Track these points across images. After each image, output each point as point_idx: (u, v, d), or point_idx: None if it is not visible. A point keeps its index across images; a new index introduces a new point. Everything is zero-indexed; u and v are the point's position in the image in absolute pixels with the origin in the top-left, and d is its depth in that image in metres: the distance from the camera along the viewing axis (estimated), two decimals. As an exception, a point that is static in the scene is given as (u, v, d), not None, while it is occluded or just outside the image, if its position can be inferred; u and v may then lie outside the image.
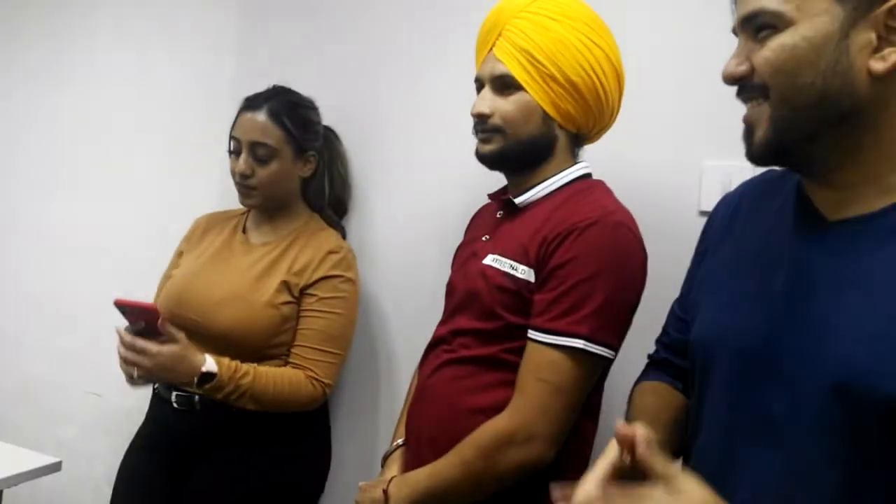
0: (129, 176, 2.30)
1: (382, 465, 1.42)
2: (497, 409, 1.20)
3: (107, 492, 1.75)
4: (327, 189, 1.82)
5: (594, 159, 1.36)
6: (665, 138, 1.51)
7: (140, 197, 2.27)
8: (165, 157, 2.23)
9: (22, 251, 2.50)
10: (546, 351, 1.17)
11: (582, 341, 1.16)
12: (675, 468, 0.74)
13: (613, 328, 1.19)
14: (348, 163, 1.89)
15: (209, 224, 1.83)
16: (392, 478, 1.29)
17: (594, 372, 1.20)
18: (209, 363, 1.50)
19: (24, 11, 2.51)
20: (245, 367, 1.55)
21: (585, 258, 1.16)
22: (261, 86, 1.73)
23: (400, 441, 1.41)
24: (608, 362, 1.22)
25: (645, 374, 1.15)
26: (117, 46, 2.34)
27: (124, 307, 1.44)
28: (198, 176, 2.12)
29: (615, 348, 1.20)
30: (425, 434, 1.30)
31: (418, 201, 1.82)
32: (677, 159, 1.49)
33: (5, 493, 1.76)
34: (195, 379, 1.48)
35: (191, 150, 2.15)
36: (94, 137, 2.38)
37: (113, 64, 2.35)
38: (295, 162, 1.69)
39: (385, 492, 1.25)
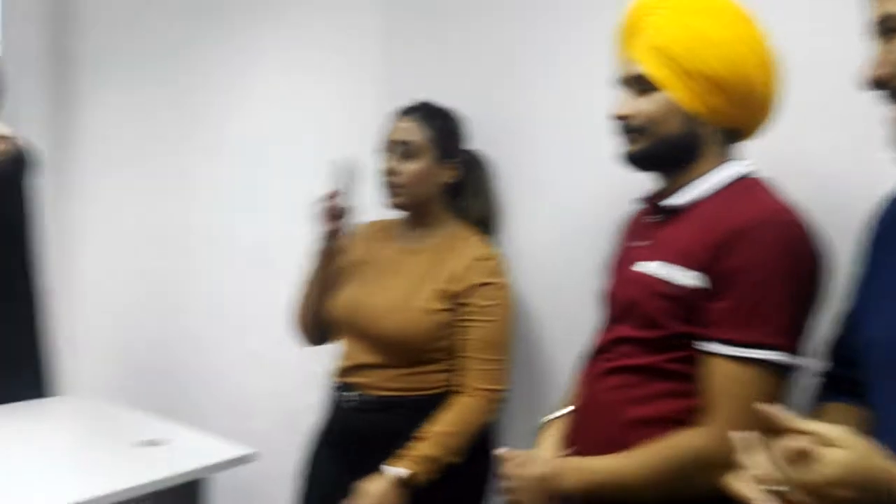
0: (293, 194, 2.49)
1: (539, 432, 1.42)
2: (663, 420, 1.18)
3: (293, 483, 1.91)
4: (474, 209, 1.85)
5: (761, 154, 1.30)
6: (838, 133, 1.41)
7: (302, 212, 2.46)
8: (321, 176, 2.40)
9: (212, 262, 2.75)
10: (734, 365, 1.11)
11: (776, 353, 1.10)
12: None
13: (798, 335, 1.13)
14: (494, 185, 1.92)
15: (367, 234, 1.92)
16: (557, 458, 1.29)
17: (787, 385, 1.14)
18: (394, 472, 1.60)
19: (195, 42, 2.76)
20: (423, 445, 1.62)
21: (760, 262, 1.11)
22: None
23: (564, 411, 1.41)
24: (797, 373, 1.15)
25: (827, 393, 1.09)
26: (277, 72, 2.54)
27: None
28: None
29: (802, 357, 1.14)
30: (587, 443, 1.29)
31: (566, 208, 1.85)
32: (855, 156, 1.39)
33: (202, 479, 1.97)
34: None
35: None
36: (263, 157, 2.59)
37: (271, 90, 2.55)
38: (438, 165, 1.76)
39: (550, 473, 1.22)
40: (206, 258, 2.75)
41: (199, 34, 2.75)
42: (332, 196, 1.77)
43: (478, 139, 1.90)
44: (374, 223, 1.96)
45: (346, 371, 1.79)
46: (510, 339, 1.74)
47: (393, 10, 2.22)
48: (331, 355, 1.91)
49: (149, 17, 2.92)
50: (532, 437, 1.91)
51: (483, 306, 1.68)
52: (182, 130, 2.82)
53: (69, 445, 1.99)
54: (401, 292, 1.72)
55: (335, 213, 1.77)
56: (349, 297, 1.80)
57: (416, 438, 1.63)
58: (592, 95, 1.74)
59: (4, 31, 3.10)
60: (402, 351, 1.69)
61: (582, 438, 1.31)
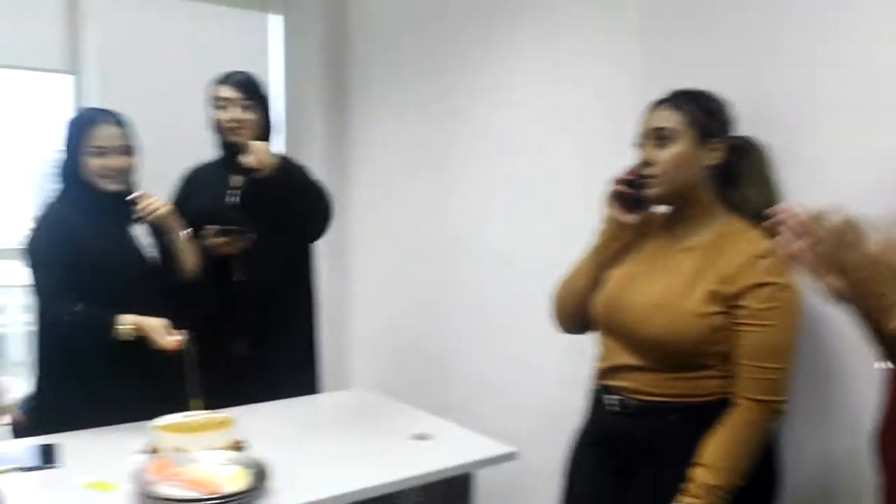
0: (555, 196, 2.48)
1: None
2: None
3: (555, 482, 1.89)
4: (753, 200, 1.70)
5: None
6: None
7: (565, 215, 2.43)
8: (578, 177, 2.36)
9: (476, 267, 2.83)
10: None
11: None
12: None
13: None
14: (774, 172, 1.75)
15: (637, 229, 1.84)
16: None
17: None
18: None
19: (455, 54, 2.85)
20: (705, 473, 1.51)
21: None
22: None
23: None
24: None
25: None
26: (534, 74, 2.53)
27: None
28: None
29: None
30: None
31: (851, 197, 1.63)
32: None
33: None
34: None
35: (601, 167, 2.24)
36: (522, 159, 2.61)
37: (528, 92, 2.56)
38: (698, 147, 1.62)
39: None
40: (471, 263, 2.84)
41: (457, 46, 2.85)
42: (625, 180, 1.71)
43: (748, 127, 1.74)
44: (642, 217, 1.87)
45: (605, 373, 1.73)
46: (793, 345, 1.57)
47: (650, 2, 2.13)
48: (592, 357, 1.87)
49: (411, 36, 3.08)
50: (819, 453, 1.72)
51: (760, 309, 1.52)
52: (445, 141, 2.94)
53: (351, 435, 2.15)
54: (668, 291, 1.61)
55: (626, 198, 1.71)
56: (610, 294, 1.73)
57: (696, 465, 1.52)
58: (872, 78, 1.56)
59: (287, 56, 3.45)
60: (668, 354, 1.59)
61: None
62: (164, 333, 2.01)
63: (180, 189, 2.56)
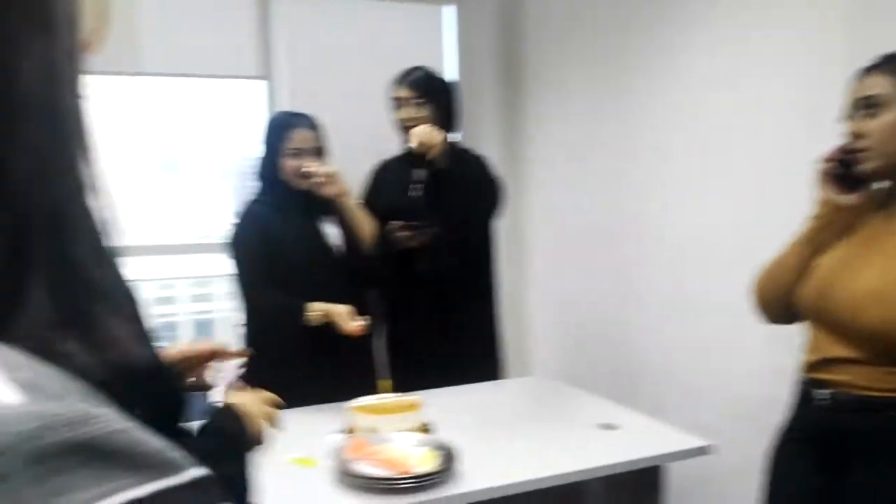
0: (743, 179, 2.34)
1: None
2: None
3: (753, 479, 1.79)
4: None
5: None
6: None
7: (754, 197, 2.28)
8: (772, 160, 2.20)
9: (661, 251, 2.73)
10: None
11: None
12: None
13: None
14: None
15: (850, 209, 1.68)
16: None
17: None
18: None
19: (631, 37, 2.75)
20: None
21: None
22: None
23: None
24: None
25: None
26: (714, 53, 2.39)
27: None
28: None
29: None
30: None
31: None
32: None
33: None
34: None
35: (798, 149, 2.07)
36: (707, 141, 2.48)
37: (711, 71, 2.42)
38: None
39: None
40: (656, 248, 2.75)
41: (633, 28, 2.76)
42: (836, 157, 1.55)
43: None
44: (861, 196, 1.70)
45: (815, 365, 1.59)
46: None
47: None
48: (792, 345, 1.73)
49: (586, 20, 3.02)
50: None
51: None
52: (623, 125, 2.86)
53: (535, 422, 2.14)
54: (885, 278, 1.46)
55: (839, 177, 1.55)
56: (821, 282, 1.58)
57: None
58: None
59: (460, 47, 3.49)
60: (886, 347, 1.44)
61: None
62: (349, 319, 2.10)
63: (367, 185, 2.66)
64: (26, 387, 0.30)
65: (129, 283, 0.42)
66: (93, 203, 0.39)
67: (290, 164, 2.23)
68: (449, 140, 2.47)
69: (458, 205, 2.43)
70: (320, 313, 2.12)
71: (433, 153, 2.37)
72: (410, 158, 2.52)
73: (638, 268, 2.83)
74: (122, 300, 0.41)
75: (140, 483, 0.30)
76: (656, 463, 1.94)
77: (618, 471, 1.85)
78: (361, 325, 2.10)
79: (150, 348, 0.41)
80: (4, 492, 0.27)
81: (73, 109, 0.38)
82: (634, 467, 1.88)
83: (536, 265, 3.48)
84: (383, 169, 2.67)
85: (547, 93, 3.34)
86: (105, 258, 0.40)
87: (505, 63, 3.50)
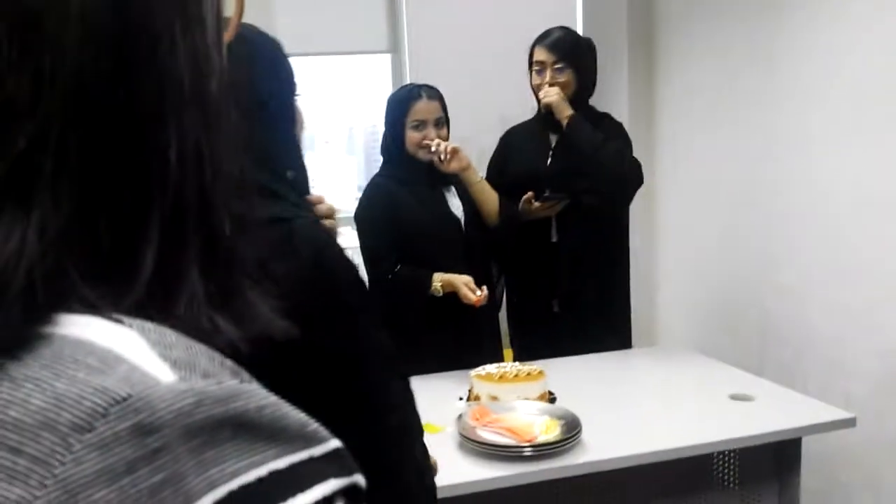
0: (891, 127, 2.15)
1: None
2: None
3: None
4: None
5: None
6: None
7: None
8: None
9: (803, 211, 2.56)
10: None
11: None
12: None
13: None
14: None
15: None
16: None
17: None
18: None
19: None
20: None
21: None
22: None
23: None
24: None
25: None
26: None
27: None
28: None
29: None
30: None
31: None
32: None
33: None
34: None
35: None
36: (856, 94, 2.29)
37: (863, 8, 2.22)
38: None
39: None
40: (797, 206, 2.58)
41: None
42: None
43: None
44: None
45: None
46: None
47: None
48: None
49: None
50: None
51: None
52: (764, 72, 2.69)
53: (663, 392, 2.09)
54: None
55: None
56: None
57: None
58: None
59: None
60: None
61: None
62: (470, 290, 2.11)
63: (497, 153, 2.63)
64: (182, 365, 0.32)
65: (268, 259, 0.45)
66: (241, 183, 0.42)
67: (412, 136, 2.26)
68: (587, 104, 2.42)
69: (593, 177, 2.38)
70: (444, 283, 2.15)
71: (564, 116, 2.34)
72: (543, 124, 2.49)
73: (780, 228, 2.67)
74: (262, 276, 0.43)
75: (283, 454, 0.32)
76: (795, 435, 1.85)
77: (752, 443, 1.78)
78: (483, 296, 2.11)
79: (289, 321, 0.43)
80: (164, 462, 0.29)
81: (221, 97, 0.40)
82: (771, 440, 1.80)
83: (668, 226, 3.37)
84: (514, 135, 2.63)
85: (679, 42, 3.18)
86: (248, 236, 0.42)
87: (635, 13, 3.35)
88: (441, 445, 1.63)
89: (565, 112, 2.36)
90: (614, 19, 3.34)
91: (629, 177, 2.44)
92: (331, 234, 1.01)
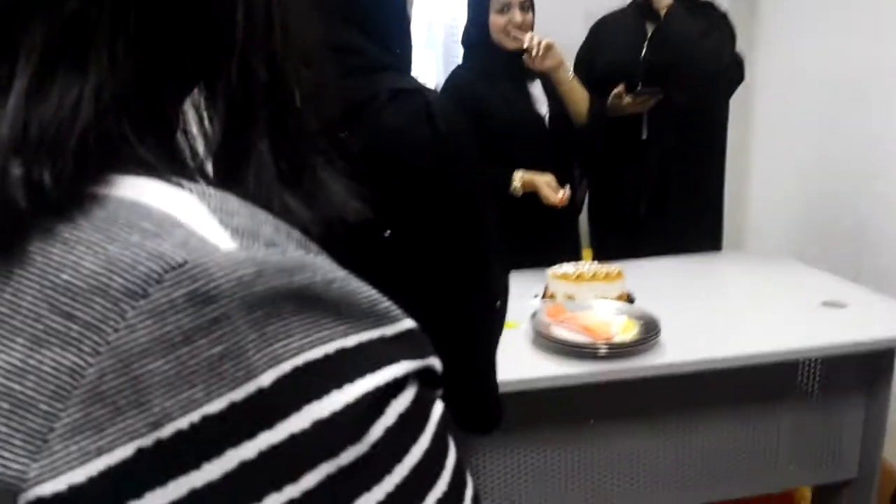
0: None
1: None
2: None
3: None
4: None
5: None
6: None
7: None
8: None
9: None
10: None
11: None
12: None
13: None
14: None
15: None
16: None
17: None
18: None
19: None
20: None
21: None
22: None
23: None
24: None
25: None
26: None
27: None
28: None
29: None
30: None
31: None
32: None
33: None
34: None
35: None
36: None
37: None
38: None
39: None
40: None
41: None
42: None
43: None
44: None
45: None
46: None
47: None
48: None
49: None
50: None
51: None
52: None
53: (750, 296, 2.02)
54: None
55: None
56: None
57: None
58: None
59: None
60: None
61: None
62: (552, 189, 2.06)
63: (587, 43, 2.50)
64: (244, 233, 0.30)
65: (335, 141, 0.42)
66: (317, 58, 0.39)
67: (497, 21, 2.15)
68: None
69: (688, 73, 2.24)
70: (525, 183, 2.10)
71: (663, 6, 2.21)
72: (639, 13, 2.35)
73: (886, 132, 2.48)
74: (335, 156, 0.41)
75: (352, 332, 0.30)
76: (888, 346, 1.76)
77: (841, 352, 1.71)
78: (565, 196, 2.06)
79: (362, 202, 0.41)
80: (223, 334, 0.27)
81: None
82: (862, 349, 1.73)
83: (766, 126, 3.18)
84: (606, 24, 2.49)
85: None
86: (320, 114, 0.40)
87: None
88: (515, 342, 1.63)
89: (664, 0, 2.21)
90: None
91: (727, 75, 2.29)
92: (460, 113, 1.02)
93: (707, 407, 1.77)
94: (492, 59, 2.18)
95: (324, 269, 0.31)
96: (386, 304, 0.32)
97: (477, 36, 2.20)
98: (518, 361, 1.52)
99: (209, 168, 0.36)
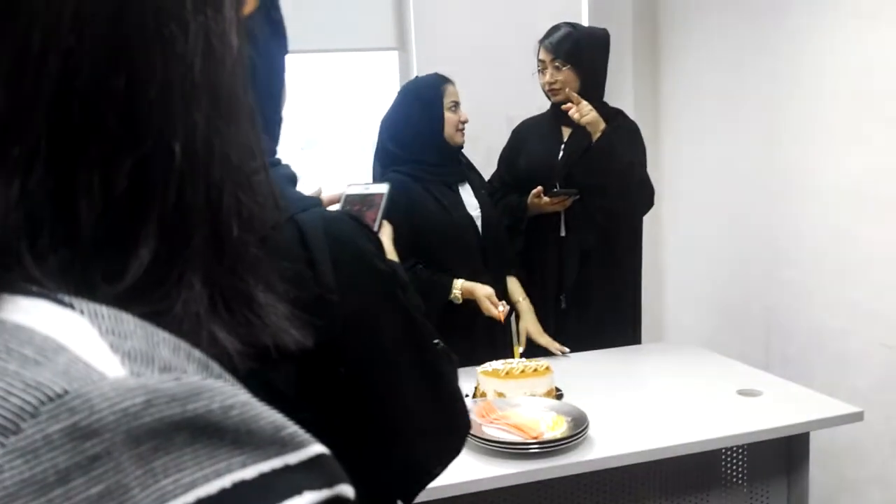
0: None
1: None
2: None
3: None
4: None
5: None
6: None
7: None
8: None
9: (807, 205, 2.56)
10: None
11: None
12: None
13: None
14: None
15: None
16: None
17: None
18: None
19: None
20: None
21: None
22: None
23: None
24: None
25: None
26: None
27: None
28: None
29: None
30: None
31: None
32: None
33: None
34: None
35: None
36: (859, 84, 2.28)
37: (869, 3, 2.21)
38: None
39: None
40: (801, 201, 2.58)
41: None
42: None
43: None
44: None
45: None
46: None
47: None
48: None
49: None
50: None
51: None
52: (769, 69, 2.68)
53: (669, 388, 2.09)
54: None
55: None
56: None
57: None
58: None
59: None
60: None
61: None
62: (492, 303, 2.09)
63: (509, 146, 2.61)
64: (136, 357, 0.28)
65: (285, 262, 0.40)
66: (254, 180, 0.37)
67: (451, 118, 2.20)
68: (601, 100, 2.42)
69: (600, 181, 2.36)
70: (465, 292, 2.12)
71: (592, 132, 2.33)
72: (556, 118, 2.47)
73: (787, 223, 2.66)
74: (275, 279, 0.39)
75: (251, 462, 0.27)
76: (803, 430, 1.84)
77: (760, 438, 1.78)
78: (505, 310, 2.09)
79: (303, 330, 0.39)
80: (104, 472, 0.25)
81: (236, 83, 0.36)
82: (779, 434, 1.80)
83: (674, 222, 3.36)
84: (526, 128, 2.61)
85: (684, 37, 3.17)
86: (262, 236, 0.38)
87: (640, 9, 3.34)
88: None
89: (599, 127, 2.34)
90: (620, 15, 3.33)
91: (644, 202, 2.44)
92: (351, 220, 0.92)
93: (638, 499, 1.80)
94: (439, 158, 2.21)
95: (223, 394, 0.28)
96: (292, 429, 0.29)
97: (429, 135, 2.20)
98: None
99: (133, 294, 0.33)
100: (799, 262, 2.61)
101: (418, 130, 2.21)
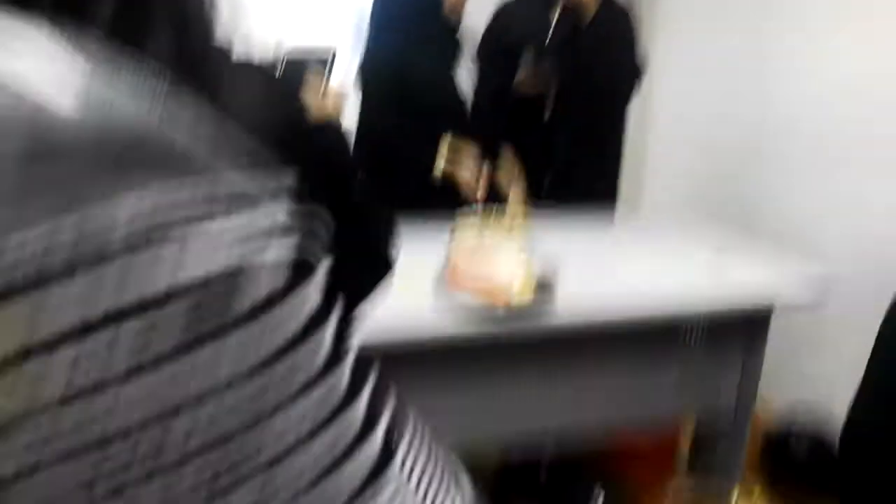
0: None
1: None
2: None
3: (865, 340, 1.70)
4: None
5: None
6: None
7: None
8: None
9: (792, 99, 2.54)
10: None
11: None
12: None
13: None
14: None
15: None
16: None
17: None
18: None
19: None
20: None
21: None
22: None
23: None
24: None
25: None
26: None
27: None
28: None
29: None
30: None
31: None
32: None
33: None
34: None
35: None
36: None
37: None
38: None
39: None
40: (791, 95, 2.55)
41: None
42: None
43: None
44: None
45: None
46: None
47: None
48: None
49: None
50: None
51: None
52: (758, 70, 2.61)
53: (646, 255, 2.10)
54: None
55: None
56: None
57: None
58: None
59: None
60: None
61: None
62: (473, 186, 2.10)
63: (489, 25, 2.52)
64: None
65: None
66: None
67: None
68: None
69: (590, 64, 2.31)
70: (447, 173, 2.11)
71: (584, 14, 2.26)
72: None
73: (776, 115, 2.65)
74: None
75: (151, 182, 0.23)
76: (766, 306, 1.88)
77: (724, 313, 1.82)
78: (483, 194, 2.09)
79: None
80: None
81: None
82: (743, 312, 1.84)
83: (663, 109, 3.32)
84: (513, 5, 2.52)
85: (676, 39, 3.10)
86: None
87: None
88: (415, 299, 1.64)
89: (591, 9, 2.28)
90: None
91: (632, 89, 2.40)
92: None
93: (600, 360, 1.85)
94: (432, 33, 2.14)
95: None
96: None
97: (429, 10, 2.13)
98: (417, 321, 1.55)
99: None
100: (786, 156, 2.61)
101: (407, 7, 2.14)
